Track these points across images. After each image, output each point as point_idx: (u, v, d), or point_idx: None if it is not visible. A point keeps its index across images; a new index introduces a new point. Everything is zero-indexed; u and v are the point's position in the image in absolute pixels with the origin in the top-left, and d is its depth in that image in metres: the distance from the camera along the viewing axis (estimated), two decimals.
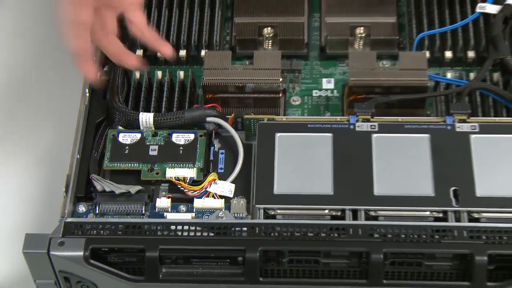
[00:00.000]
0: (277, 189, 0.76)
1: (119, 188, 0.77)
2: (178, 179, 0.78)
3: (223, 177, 0.79)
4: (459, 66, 0.89)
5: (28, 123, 0.90)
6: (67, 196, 0.77)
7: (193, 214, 0.77)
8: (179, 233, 0.74)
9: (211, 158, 0.81)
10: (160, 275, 0.73)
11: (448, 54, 0.88)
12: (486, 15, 0.89)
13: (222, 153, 0.81)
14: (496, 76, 0.87)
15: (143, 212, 0.77)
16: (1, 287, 0.80)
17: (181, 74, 0.88)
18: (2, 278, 0.80)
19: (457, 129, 0.79)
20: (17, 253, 0.73)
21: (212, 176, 0.78)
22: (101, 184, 0.78)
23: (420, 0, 0.92)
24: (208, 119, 0.81)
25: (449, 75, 0.88)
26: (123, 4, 0.80)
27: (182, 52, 0.90)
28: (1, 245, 0.81)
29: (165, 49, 0.83)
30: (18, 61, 0.95)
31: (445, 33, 0.89)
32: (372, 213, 0.75)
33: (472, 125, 0.79)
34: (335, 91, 0.88)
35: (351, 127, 0.79)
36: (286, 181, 0.77)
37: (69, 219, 0.75)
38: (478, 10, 0.89)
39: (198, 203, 0.77)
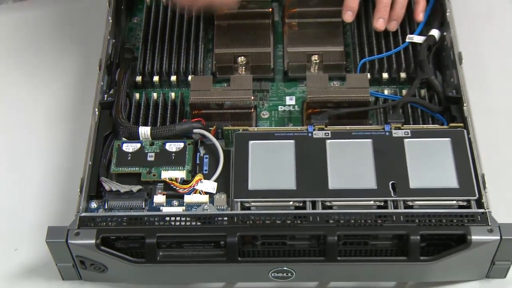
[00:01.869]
0: (251, 185, 0.75)
1: (124, 188, 0.76)
2: (171, 179, 0.77)
3: (207, 177, 0.78)
4: (394, 84, 0.88)
5: (48, 137, 0.89)
6: (82, 195, 0.75)
7: (184, 208, 0.76)
8: (173, 223, 0.72)
9: (198, 162, 0.79)
10: (158, 258, 0.72)
11: (385, 75, 0.88)
12: (414, 44, 0.89)
13: (206, 158, 0.80)
14: (423, 92, 0.86)
15: (143, 206, 0.76)
16: (29, 270, 0.78)
17: (173, 95, 0.86)
18: (30, 263, 0.79)
19: (394, 135, 0.78)
20: (41, 242, 0.72)
21: (199, 176, 0.77)
22: (109, 185, 0.76)
23: (362, 33, 0.91)
24: (195, 130, 0.80)
25: (386, 92, 0.87)
26: None
27: (173, 77, 0.88)
28: (28, 236, 0.80)
29: None
30: (38, 81, 0.94)
31: (382, 59, 0.88)
32: (328, 204, 0.74)
33: (405, 131, 0.78)
34: (296, 106, 0.87)
35: (309, 134, 0.78)
36: (258, 179, 0.75)
37: (83, 214, 0.74)
38: (407, 40, 0.89)
39: (187, 198, 0.76)
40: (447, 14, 0.88)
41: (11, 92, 0.93)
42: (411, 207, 0.74)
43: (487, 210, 0.72)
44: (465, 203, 0.74)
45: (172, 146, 0.79)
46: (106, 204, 0.76)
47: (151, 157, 0.78)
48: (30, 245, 0.79)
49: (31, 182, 0.85)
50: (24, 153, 0.87)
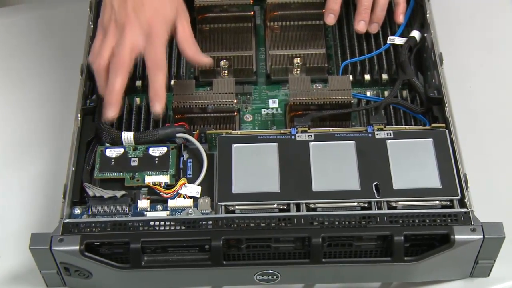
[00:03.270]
0: (235, 189, 0.75)
1: (107, 193, 0.76)
2: (155, 184, 0.76)
3: (191, 181, 0.77)
4: (376, 86, 0.88)
5: (30, 143, 0.88)
6: (65, 201, 0.75)
7: (168, 212, 0.75)
8: (157, 228, 0.72)
9: (181, 166, 0.79)
10: (143, 263, 0.71)
11: (367, 77, 0.88)
12: (395, 46, 0.89)
13: (190, 162, 0.79)
14: (405, 93, 0.86)
15: (127, 212, 0.75)
16: (13, 277, 0.78)
17: None
18: (14, 270, 0.78)
19: (376, 136, 0.78)
20: (25, 249, 0.71)
21: (182, 180, 0.77)
22: (93, 191, 0.76)
23: (343, 35, 0.91)
24: (178, 135, 0.79)
25: (368, 93, 0.87)
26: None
27: None
28: (12, 244, 0.79)
29: (205, 61, 0.81)
30: (26, 88, 0.93)
31: (364, 61, 0.88)
32: (312, 206, 0.74)
33: (388, 133, 0.78)
34: (279, 109, 0.87)
35: (293, 137, 0.78)
36: (242, 182, 0.75)
37: (67, 220, 0.73)
38: (388, 42, 0.89)
39: (171, 203, 0.76)
40: (427, 15, 0.88)
41: None
42: (395, 207, 0.74)
43: (469, 209, 0.73)
44: (448, 203, 0.74)
45: (156, 151, 0.79)
46: (90, 210, 0.75)
47: (134, 162, 0.78)
48: (13, 252, 0.78)
49: (14, 189, 0.84)
50: (6, 160, 0.87)
